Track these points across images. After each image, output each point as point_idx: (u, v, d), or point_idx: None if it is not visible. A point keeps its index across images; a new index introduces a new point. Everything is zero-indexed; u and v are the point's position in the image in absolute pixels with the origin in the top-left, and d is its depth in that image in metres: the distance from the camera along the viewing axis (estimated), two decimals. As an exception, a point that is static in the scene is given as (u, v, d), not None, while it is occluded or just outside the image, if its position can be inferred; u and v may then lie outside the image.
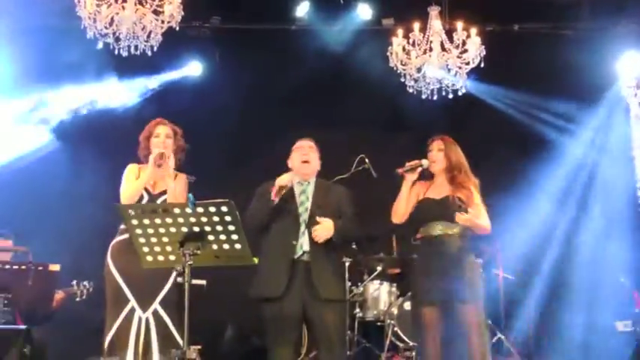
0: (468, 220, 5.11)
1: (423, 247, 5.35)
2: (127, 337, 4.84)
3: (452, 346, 5.14)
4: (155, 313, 4.91)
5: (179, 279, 5.00)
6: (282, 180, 5.10)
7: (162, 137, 5.19)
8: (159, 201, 5.06)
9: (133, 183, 5.08)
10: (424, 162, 5.37)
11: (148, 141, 5.21)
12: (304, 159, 5.25)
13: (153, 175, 5.10)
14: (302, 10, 8.39)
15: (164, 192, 5.11)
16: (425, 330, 5.19)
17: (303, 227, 5.10)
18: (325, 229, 5.03)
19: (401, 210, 5.36)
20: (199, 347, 5.20)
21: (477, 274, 5.40)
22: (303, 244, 5.07)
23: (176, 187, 5.10)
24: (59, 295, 6.23)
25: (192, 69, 8.67)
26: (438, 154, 5.41)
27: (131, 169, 5.17)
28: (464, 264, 5.25)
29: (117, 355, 4.82)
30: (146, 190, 5.09)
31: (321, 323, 5.03)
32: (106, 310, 5.00)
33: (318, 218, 5.06)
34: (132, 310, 4.90)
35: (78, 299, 6.38)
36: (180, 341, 4.82)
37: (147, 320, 4.89)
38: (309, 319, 5.07)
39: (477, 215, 5.18)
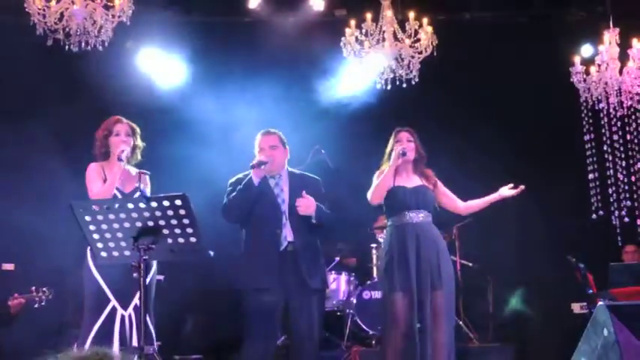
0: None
1: (399, 235, 5.36)
2: (110, 336, 4.82)
3: (421, 334, 5.19)
4: (136, 309, 4.85)
5: (159, 277, 5.11)
6: (260, 157, 5.16)
7: (122, 135, 5.11)
8: None
9: (100, 183, 4.98)
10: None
11: (107, 139, 5.10)
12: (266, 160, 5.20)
13: (121, 174, 5.02)
14: (254, 2, 8.35)
15: (136, 190, 5.03)
16: (394, 317, 5.23)
17: (284, 219, 5.14)
18: (308, 204, 5.07)
19: (384, 189, 5.39)
20: (159, 343, 5.16)
21: (449, 261, 5.49)
22: (287, 235, 5.10)
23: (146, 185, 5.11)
24: (18, 300, 6.13)
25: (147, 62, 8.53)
26: (409, 144, 5.47)
27: (95, 169, 5.06)
28: (441, 251, 5.38)
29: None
30: (118, 190, 5.02)
31: (306, 311, 5.06)
32: (83, 311, 4.97)
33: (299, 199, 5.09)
34: (113, 310, 4.88)
35: (37, 305, 6.26)
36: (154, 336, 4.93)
37: (130, 317, 4.89)
38: (293, 308, 5.08)
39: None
